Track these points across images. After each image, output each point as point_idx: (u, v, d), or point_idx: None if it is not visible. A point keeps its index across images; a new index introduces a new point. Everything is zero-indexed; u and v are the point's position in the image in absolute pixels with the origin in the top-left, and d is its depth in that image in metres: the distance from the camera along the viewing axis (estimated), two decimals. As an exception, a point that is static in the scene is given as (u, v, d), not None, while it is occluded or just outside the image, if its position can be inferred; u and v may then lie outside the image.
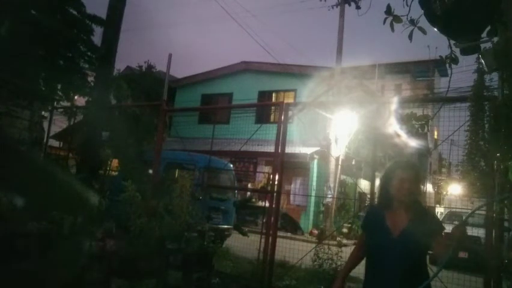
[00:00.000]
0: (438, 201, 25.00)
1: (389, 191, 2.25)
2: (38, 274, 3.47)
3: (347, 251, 4.71)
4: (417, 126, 2.80)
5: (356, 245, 2.50)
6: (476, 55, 2.72)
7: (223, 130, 11.41)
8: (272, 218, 4.75)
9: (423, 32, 2.54)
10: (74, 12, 7.15)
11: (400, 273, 2.09)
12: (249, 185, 14.95)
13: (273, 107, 13.06)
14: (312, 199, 13.93)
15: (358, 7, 13.59)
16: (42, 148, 7.60)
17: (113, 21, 7.91)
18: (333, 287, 2.37)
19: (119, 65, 20.04)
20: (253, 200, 12.39)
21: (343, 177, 14.27)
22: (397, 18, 2.56)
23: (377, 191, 2.41)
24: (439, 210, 20.46)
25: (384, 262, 2.15)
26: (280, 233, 5.67)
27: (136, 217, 4.29)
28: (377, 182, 2.38)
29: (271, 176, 5.27)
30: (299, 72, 15.64)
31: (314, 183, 14.47)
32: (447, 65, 2.76)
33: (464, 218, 2.16)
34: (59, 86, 7.12)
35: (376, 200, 2.38)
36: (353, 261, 2.46)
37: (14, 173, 4.06)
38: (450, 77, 3.11)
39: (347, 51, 31.43)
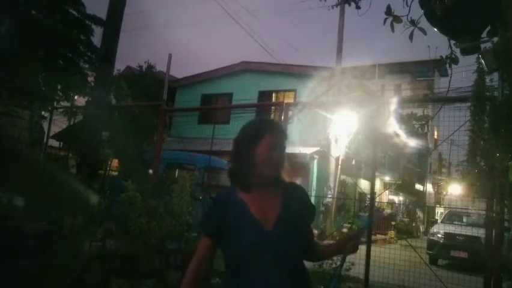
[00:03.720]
0: (438, 201, 25.04)
1: (250, 163, 1.58)
2: (38, 274, 3.47)
3: (347, 251, 4.71)
4: (417, 126, 2.80)
5: (196, 257, 1.62)
6: (476, 55, 2.73)
7: (223, 130, 11.39)
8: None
9: (424, 32, 2.54)
10: (74, 13, 7.16)
11: (280, 281, 1.49)
12: (249, 185, 14.94)
13: (273, 107, 13.05)
14: (312, 199, 13.91)
15: (358, 7, 13.59)
16: (42, 148, 7.61)
17: (113, 22, 7.92)
18: None
19: (119, 65, 20.05)
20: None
21: (343, 177, 14.28)
22: (397, 19, 2.56)
23: (229, 164, 1.72)
24: (439, 210, 20.50)
25: (255, 270, 1.49)
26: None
27: (136, 217, 4.29)
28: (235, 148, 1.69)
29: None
30: (299, 72, 15.64)
31: (314, 183, 14.47)
32: (447, 65, 2.76)
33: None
34: (59, 86, 7.13)
35: (228, 177, 1.69)
36: (195, 280, 1.59)
37: (14, 173, 4.06)
38: (450, 77, 3.11)
39: (347, 51, 31.45)
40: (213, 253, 1.63)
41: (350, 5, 13.94)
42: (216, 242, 1.61)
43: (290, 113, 5.02)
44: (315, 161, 14.78)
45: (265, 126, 1.67)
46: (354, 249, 1.63)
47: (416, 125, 2.78)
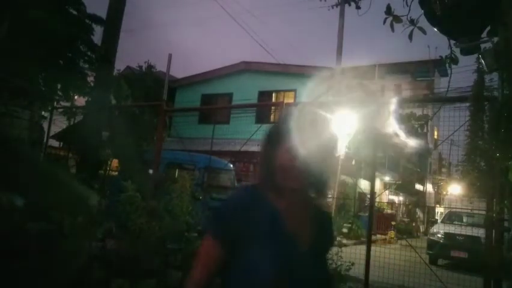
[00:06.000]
0: (438, 201, 25.05)
1: (272, 166, 1.23)
2: (38, 274, 3.47)
3: (346, 251, 4.71)
4: (416, 126, 2.80)
5: (204, 268, 1.24)
6: (476, 55, 2.72)
7: (223, 130, 11.41)
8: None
9: (423, 32, 2.54)
10: (74, 12, 7.17)
11: None
12: (249, 185, 14.92)
13: (273, 107, 13.06)
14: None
15: (358, 7, 13.61)
16: (42, 148, 7.61)
17: (113, 21, 7.93)
18: None
19: (119, 65, 20.01)
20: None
21: (343, 177, 14.27)
22: (397, 18, 2.56)
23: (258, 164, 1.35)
24: (439, 210, 20.50)
25: None
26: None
27: (136, 217, 4.29)
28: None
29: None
30: (299, 72, 15.65)
31: (314, 183, 14.44)
32: (447, 65, 2.76)
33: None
34: (59, 86, 7.14)
35: (257, 177, 1.32)
36: None
37: (14, 173, 4.07)
38: (450, 77, 3.11)
39: (347, 51, 31.47)
40: (221, 265, 1.23)
41: (350, 5, 13.96)
42: (229, 251, 1.21)
43: (290, 113, 5.01)
44: (315, 161, 14.75)
45: (295, 124, 1.22)
46: None
47: (415, 125, 2.79)
